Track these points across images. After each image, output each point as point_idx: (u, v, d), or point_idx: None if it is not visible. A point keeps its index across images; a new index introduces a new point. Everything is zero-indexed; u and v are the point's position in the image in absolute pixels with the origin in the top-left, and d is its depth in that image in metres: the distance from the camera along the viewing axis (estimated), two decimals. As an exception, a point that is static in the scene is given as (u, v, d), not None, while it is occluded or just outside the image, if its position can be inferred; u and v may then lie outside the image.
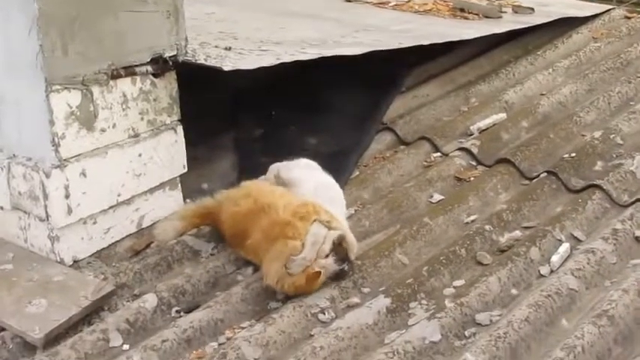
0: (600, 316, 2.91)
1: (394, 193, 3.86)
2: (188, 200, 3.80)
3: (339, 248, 3.22)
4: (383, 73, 4.81)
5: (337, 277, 3.24)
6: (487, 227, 3.51)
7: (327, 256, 3.18)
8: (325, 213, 3.30)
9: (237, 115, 4.63)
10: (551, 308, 3.02)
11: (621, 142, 4.10)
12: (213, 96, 4.52)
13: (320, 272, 3.15)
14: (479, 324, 3.02)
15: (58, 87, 3.26)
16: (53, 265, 3.41)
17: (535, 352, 2.87)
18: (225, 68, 3.60)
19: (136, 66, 3.50)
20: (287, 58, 3.94)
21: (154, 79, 3.58)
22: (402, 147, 4.31)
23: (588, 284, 3.17)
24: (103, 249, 3.54)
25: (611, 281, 3.16)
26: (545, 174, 3.87)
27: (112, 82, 3.43)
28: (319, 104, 4.62)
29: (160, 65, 3.58)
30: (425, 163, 4.15)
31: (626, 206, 3.62)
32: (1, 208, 3.56)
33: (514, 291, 3.20)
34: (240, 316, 3.18)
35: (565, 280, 3.13)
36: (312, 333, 3.05)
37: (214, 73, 3.70)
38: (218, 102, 4.61)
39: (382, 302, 3.11)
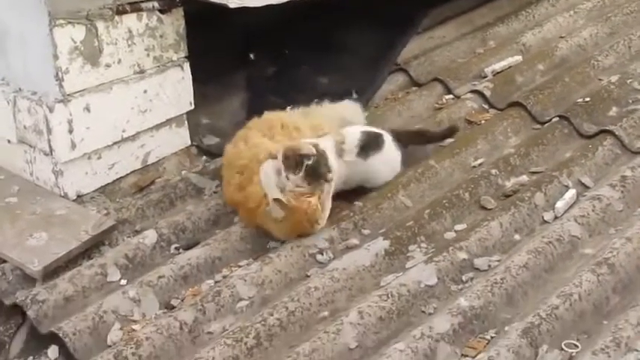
0: (600, 264, 2.87)
1: (403, 134, 3.80)
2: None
3: (292, 162, 3.13)
4: (399, 14, 4.73)
5: (314, 174, 3.13)
6: (493, 171, 3.47)
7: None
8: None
9: (250, 54, 4.58)
10: (551, 255, 2.99)
11: (638, 87, 4.02)
12: (226, 34, 4.47)
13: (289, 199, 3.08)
14: (477, 269, 3.00)
15: (62, 21, 3.25)
16: (57, 199, 3.43)
17: (531, 299, 2.84)
18: (231, 5, 3.55)
19: (142, 2, 3.48)
20: (296, -5, 3.88)
21: (161, 15, 3.55)
22: (414, 88, 4.25)
23: (592, 231, 3.13)
24: (107, 184, 3.55)
25: (615, 229, 3.12)
26: (557, 118, 3.80)
27: (117, 18, 3.41)
28: (333, 44, 4.56)
29: (166, 1, 3.55)
30: (436, 105, 4.09)
31: (638, 153, 3.55)
32: (8, 141, 3.57)
33: (516, 236, 3.16)
34: (238, 255, 3.18)
35: (568, 227, 3.09)
36: (309, 273, 3.04)
37: (228, 10, 3.65)
38: (231, 40, 4.56)
39: (381, 244, 3.09)
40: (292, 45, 4.54)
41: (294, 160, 3.09)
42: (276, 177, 3.11)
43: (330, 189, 3.17)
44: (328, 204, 3.18)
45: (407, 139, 3.60)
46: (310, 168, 3.09)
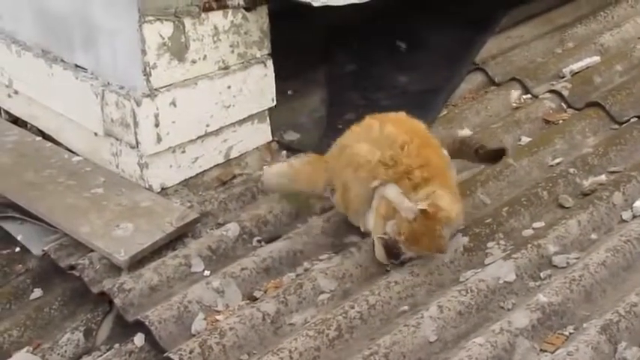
0: (678, 263, 2.89)
1: (481, 133, 3.84)
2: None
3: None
4: (478, 13, 4.76)
5: None
6: (571, 170, 3.48)
7: None
8: None
9: (331, 51, 4.65)
10: (629, 253, 2.99)
11: None
12: (308, 31, 4.55)
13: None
14: (555, 266, 3.02)
15: (151, 18, 3.34)
16: (141, 191, 3.52)
17: (610, 296, 2.85)
18: (315, 4, 3.61)
19: (228, -1, 3.55)
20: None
21: (246, 13, 3.63)
22: (492, 88, 4.28)
23: (670, 231, 3.13)
24: (191, 178, 3.64)
25: (686, 231, 3.12)
26: (636, 119, 3.80)
27: (203, 15, 3.49)
28: (413, 43, 4.62)
29: (251, -1, 3.62)
30: (514, 105, 4.12)
31: None
32: (95, 134, 3.67)
33: (594, 235, 3.17)
34: (319, 248, 3.25)
35: (646, 226, 3.10)
36: (388, 268, 3.09)
37: (311, 8, 3.71)
38: (313, 37, 4.64)
39: (460, 241, 3.13)
40: (373, 43, 4.58)
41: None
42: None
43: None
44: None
45: (453, 153, 3.40)
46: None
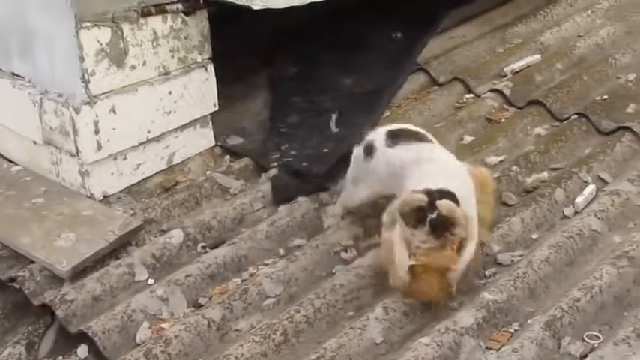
0: (620, 257, 2.91)
1: (425, 133, 3.84)
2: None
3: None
4: (420, 14, 4.78)
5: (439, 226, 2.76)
6: (514, 168, 3.50)
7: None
8: None
9: (274, 54, 4.63)
10: (572, 249, 3.02)
11: (656, 85, 4.05)
12: (250, 34, 4.53)
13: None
14: (499, 264, 3.04)
15: (88, 24, 3.30)
16: (83, 200, 3.47)
17: (553, 292, 2.88)
18: (255, 7, 3.59)
19: (167, 4, 3.52)
20: (319, -4, 3.93)
21: (185, 17, 3.60)
22: (434, 88, 4.29)
23: (611, 226, 3.16)
24: (133, 185, 3.59)
25: (634, 223, 3.15)
26: (576, 116, 3.84)
27: (142, 20, 3.45)
28: (355, 44, 4.61)
29: (190, 3, 3.59)
30: (457, 104, 4.13)
31: (656, 149, 3.59)
32: (35, 142, 3.62)
33: (537, 232, 3.20)
34: (264, 253, 3.23)
35: (587, 222, 3.13)
36: (334, 271, 3.09)
37: (252, 11, 3.69)
38: (255, 41, 4.62)
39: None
40: (315, 45, 4.58)
41: (413, 216, 2.76)
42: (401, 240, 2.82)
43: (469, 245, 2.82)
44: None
45: None
46: (435, 220, 2.74)
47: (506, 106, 4.06)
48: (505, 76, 4.27)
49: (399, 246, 2.79)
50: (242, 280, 3.11)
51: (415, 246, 2.75)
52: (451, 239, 2.74)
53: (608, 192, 3.31)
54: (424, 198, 2.75)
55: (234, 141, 3.90)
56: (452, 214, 2.71)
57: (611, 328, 2.71)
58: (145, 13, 3.45)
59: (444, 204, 2.72)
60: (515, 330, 2.74)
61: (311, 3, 3.82)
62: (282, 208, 3.42)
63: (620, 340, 2.58)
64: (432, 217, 2.71)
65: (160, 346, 2.76)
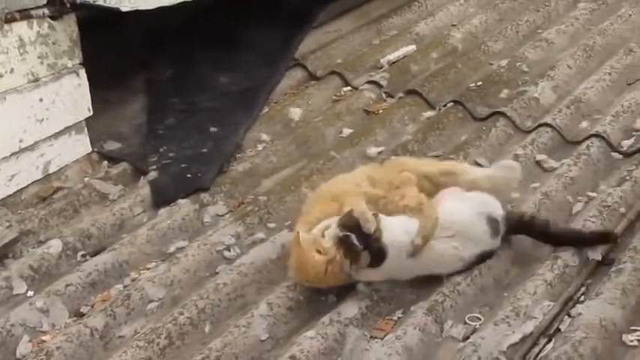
0: (499, 240, 2.96)
1: (303, 128, 3.86)
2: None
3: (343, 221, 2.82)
4: (296, 10, 4.79)
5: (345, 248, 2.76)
6: (393, 158, 3.51)
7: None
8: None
9: (150, 56, 4.58)
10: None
11: (527, 69, 4.15)
12: (125, 38, 4.47)
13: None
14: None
15: (-51, 32, 3.21)
16: (-44, 215, 3.37)
17: (435, 278, 2.88)
18: (123, 9, 3.54)
19: (32, 9, 3.43)
20: (189, -4, 3.90)
21: (52, 22, 3.51)
22: (312, 82, 4.30)
23: (489, 209, 3.21)
24: (9, 196, 3.49)
25: (511, 205, 3.19)
26: (452, 103, 3.89)
27: (6, 26, 3.36)
28: (232, 42, 4.59)
29: (57, 8, 3.51)
30: (334, 98, 4.15)
31: (529, 132, 3.66)
32: None
33: (418, 220, 3.22)
34: (146, 257, 3.19)
35: (467, 207, 3.17)
36: (217, 270, 3.07)
37: (124, 14, 3.63)
38: (130, 44, 4.56)
39: (286, 236, 3.12)
40: (192, 45, 4.54)
41: (348, 221, 2.79)
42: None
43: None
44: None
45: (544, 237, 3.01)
46: (351, 245, 2.76)
47: (384, 97, 4.09)
48: (381, 67, 4.31)
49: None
50: (124, 286, 3.06)
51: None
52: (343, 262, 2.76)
53: (485, 176, 3.36)
54: (373, 225, 2.77)
55: (112, 146, 3.83)
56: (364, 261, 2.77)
57: (492, 309, 2.76)
58: (9, 20, 3.35)
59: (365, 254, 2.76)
60: (399, 317, 2.77)
61: (182, 3, 3.79)
62: (162, 211, 3.38)
63: (500, 320, 2.64)
64: (354, 242, 2.74)
65: (42, 359, 2.69)
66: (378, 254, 2.78)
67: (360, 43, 4.63)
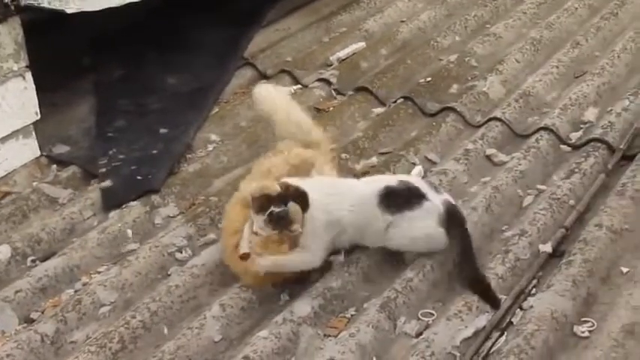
0: (450, 235, 2.97)
1: (253, 127, 3.85)
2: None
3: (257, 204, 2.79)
4: (244, 8, 4.78)
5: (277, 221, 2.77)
6: (344, 155, 3.53)
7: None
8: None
9: (99, 58, 4.54)
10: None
11: (476, 64, 4.17)
12: (73, 39, 4.43)
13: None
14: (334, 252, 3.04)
15: None
16: None
17: (388, 274, 2.92)
18: (69, 11, 3.51)
19: (-25, 13, 3.39)
20: (136, -3, 3.87)
21: (-4, 25, 3.48)
22: (262, 81, 4.27)
23: (440, 204, 3.22)
24: (-44, 202, 3.46)
25: (462, 200, 3.21)
26: (402, 99, 3.90)
27: (-50, 31, 3.32)
28: (181, 42, 4.56)
29: (1, 10, 3.46)
30: (285, 96, 4.13)
31: (479, 126, 3.68)
32: None
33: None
34: (97, 261, 3.16)
35: (417, 202, 3.17)
36: (169, 272, 3.05)
37: (75, 16, 3.60)
38: (78, 46, 4.52)
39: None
40: (140, 46, 4.51)
41: (259, 202, 2.77)
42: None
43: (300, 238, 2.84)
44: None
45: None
46: (275, 214, 2.76)
47: (334, 95, 4.09)
48: (331, 65, 4.31)
49: (246, 228, 2.84)
50: (75, 291, 3.02)
51: (254, 231, 2.77)
52: (287, 235, 2.78)
53: (435, 172, 3.39)
54: (277, 188, 2.77)
55: (61, 149, 3.79)
56: (294, 216, 2.75)
57: (444, 304, 2.77)
58: (-47, 24, 3.31)
59: (292, 206, 2.75)
60: (352, 315, 2.77)
61: (129, 4, 3.76)
62: (112, 214, 3.35)
63: (453, 315, 2.66)
64: (275, 210, 2.73)
65: (-8, 367, 2.67)
66: (299, 197, 2.79)
67: (310, 40, 4.62)
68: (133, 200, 3.39)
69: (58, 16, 3.59)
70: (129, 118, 3.96)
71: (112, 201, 3.42)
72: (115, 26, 4.49)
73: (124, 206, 3.37)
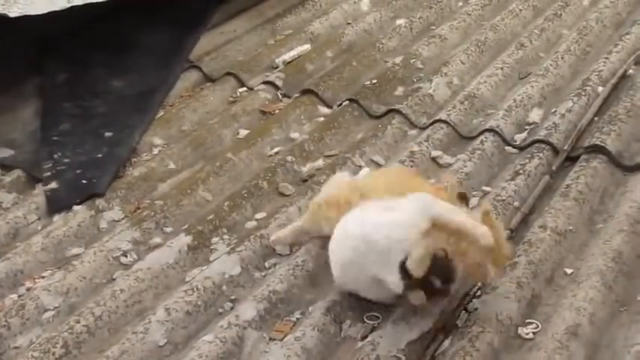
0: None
1: (199, 130, 3.83)
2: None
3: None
4: (190, 11, 4.76)
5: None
6: (289, 158, 3.53)
7: None
8: None
9: (43, 61, 4.49)
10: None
11: (421, 66, 4.18)
12: (16, 43, 4.38)
13: None
14: (279, 254, 3.06)
15: None
16: None
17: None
18: (12, 15, 3.48)
19: None
20: (79, 1, 3.84)
21: (-64, 30, 3.44)
22: (208, 84, 4.27)
23: (385, 207, 3.23)
24: None
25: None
26: (348, 102, 3.91)
27: None
28: (126, 45, 4.53)
29: (-59, 14, 3.43)
30: (230, 99, 4.13)
31: (424, 128, 3.70)
32: None
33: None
34: (41, 266, 3.13)
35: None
36: (114, 277, 3.03)
37: (19, 19, 3.57)
38: (23, 49, 4.47)
39: (183, 240, 3.11)
40: (86, 49, 4.47)
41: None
42: None
43: None
44: None
45: None
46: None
47: (280, 97, 4.09)
48: (277, 67, 4.30)
49: None
50: (19, 296, 3.00)
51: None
52: None
53: (381, 174, 3.39)
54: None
55: (5, 153, 3.75)
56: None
57: (390, 307, 2.76)
58: None
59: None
60: (298, 318, 2.77)
61: (73, 7, 3.73)
62: (57, 218, 3.33)
63: (399, 318, 2.67)
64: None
65: None
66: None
67: (256, 43, 4.62)
68: (78, 204, 3.36)
69: (1, 19, 3.55)
70: (74, 122, 3.93)
71: (56, 205, 3.39)
72: (60, 29, 4.45)
73: (68, 210, 3.34)
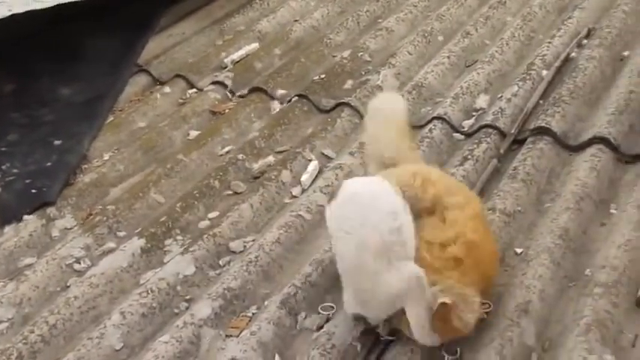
0: (345, 227, 2.99)
1: (149, 134, 3.82)
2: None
3: None
4: (136, 15, 4.74)
5: None
6: (240, 156, 3.53)
7: None
8: None
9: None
10: (301, 227, 3.09)
11: (369, 59, 4.19)
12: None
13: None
14: (233, 252, 3.07)
15: None
16: None
17: (287, 271, 2.94)
18: (-51, 24, 3.45)
19: None
20: (20, 9, 3.81)
21: None
22: (157, 87, 4.26)
23: (336, 199, 3.24)
24: None
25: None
26: (297, 97, 3.91)
27: None
28: (73, 52, 4.51)
29: None
30: (180, 101, 4.12)
31: (373, 119, 3.70)
32: None
33: (268, 215, 3.25)
34: (-7, 278, 3.11)
35: (314, 198, 3.20)
36: (68, 284, 3.02)
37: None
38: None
39: (136, 243, 3.10)
40: (32, 58, 4.45)
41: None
42: None
43: None
44: None
45: None
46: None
47: (230, 97, 4.08)
48: (226, 67, 4.30)
49: None
50: (-29, 310, 2.98)
51: None
52: None
53: (332, 167, 3.40)
54: None
55: (-50, 167, 3.72)
56: None
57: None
58: None
59: None
60: (254, 313, 2.78)
61: (13, 15, 3.71)
62: (8, 229, 3.30)
63: (353, 307, 2.66)
64: None
65: None
66: None
67: (204, 44, 4.62)
68: (29, 214, 3.34)
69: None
70: (22, 132, 3.91)
71: (6, 216, 3.36)
72: (4, 38, 4.41)
73: (19, 221, 3.32)
